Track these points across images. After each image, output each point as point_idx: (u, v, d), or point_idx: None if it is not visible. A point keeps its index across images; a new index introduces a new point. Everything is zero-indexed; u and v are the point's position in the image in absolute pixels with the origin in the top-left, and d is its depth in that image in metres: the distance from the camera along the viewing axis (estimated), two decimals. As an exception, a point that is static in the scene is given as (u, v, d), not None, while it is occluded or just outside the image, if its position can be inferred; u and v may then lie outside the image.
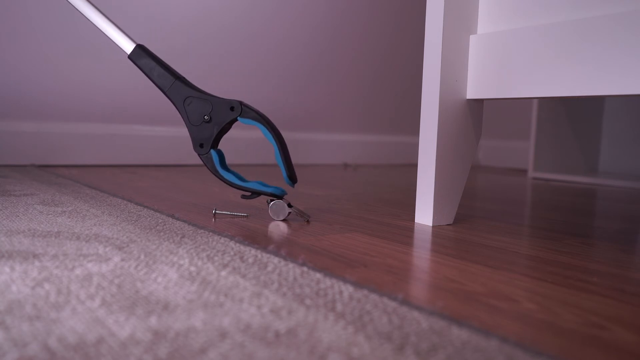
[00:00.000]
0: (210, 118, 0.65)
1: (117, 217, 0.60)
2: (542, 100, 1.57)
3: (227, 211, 0.69)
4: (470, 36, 0.66)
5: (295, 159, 1.72)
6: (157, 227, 0.55)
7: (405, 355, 0.26)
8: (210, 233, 0.53)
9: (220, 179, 0.65)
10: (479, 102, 0.68)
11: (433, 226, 0.65)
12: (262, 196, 0.66)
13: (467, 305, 0.35)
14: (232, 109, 0.65)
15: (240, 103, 0.65)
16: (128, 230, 0.53)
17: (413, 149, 2.02)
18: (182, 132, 1.50)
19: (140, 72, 1.42)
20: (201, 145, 0.66)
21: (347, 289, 0.36)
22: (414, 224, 0.66)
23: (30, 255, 0.42)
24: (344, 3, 1.81)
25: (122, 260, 0.42)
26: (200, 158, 0.66)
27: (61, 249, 0.44)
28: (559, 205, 0.92)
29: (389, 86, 1.96)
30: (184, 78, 0.67)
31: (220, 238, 0.51)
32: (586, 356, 0.27)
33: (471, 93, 0.66)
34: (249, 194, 0.65)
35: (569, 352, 0.28)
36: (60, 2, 1.30)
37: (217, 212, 0.67)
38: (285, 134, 1.76)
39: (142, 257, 0.43)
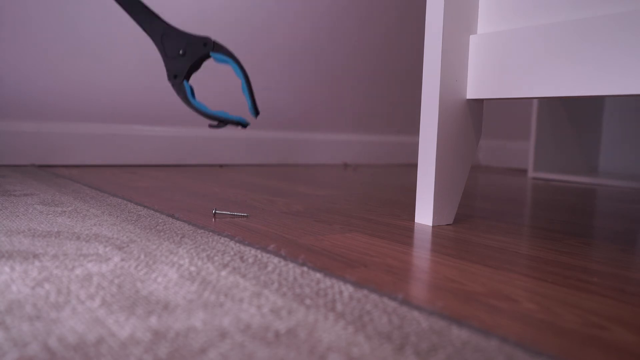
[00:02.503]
0: (184, 52, 0.70)
1: (117, 217, 0.60)
2: (542, 100, 1.57)
3: (227, 211, 0.69)
4: (470, 36, 0.66)
5: (295, 159, 1.72)
6: (157, 227, 0.55)
7: (405, 355, 0.26)
8: (210, 233, 0.53)
9: (191, 108, 0.70)
10: (479, 102, 0.68)
11: (433, 226, 0.65)
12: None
13: (467, 305, 0.35)
14: (205, 44, 0.70)
15: (213, 41, 0.70)
16: (128, 230, 0.53)
17: (413, 149, 2.02)
18: (182, 132, 1.50)
19: (141, 72, 1.42)
20: (175, 76, 0.70)
21: (347, 289, 0.36)
22: (414, 224, 0.66)
23: (30, 255, 0.42)
24: (344, 3, 1.81)
25: (122, 260, 0.42)
26: (174, 88, 0.70)
27: (61, 249, 0.44)
28: (559, 205, 0.92)
29: (389, 86, 1.96)
30: (161, 17, 0.73)
31: (220, 238, 0.51)
32: (586, 356, 0.27)
33: (471, 93, 0.66)
34: (216, 123, 0.70)
35: (569, 352, 0.28)
36: (60, 2, 1.30)
37: (217, 212, 0.67)
38: (285, 134, 1.77)
39: (142, 257, 0.43)
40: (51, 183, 0.91)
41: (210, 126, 0.69)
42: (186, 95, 0.70)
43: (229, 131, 1.59)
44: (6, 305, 0.30)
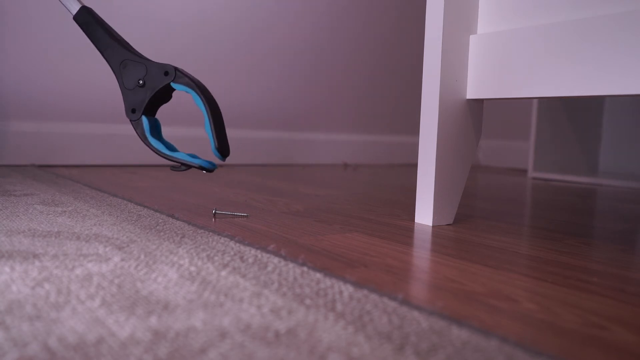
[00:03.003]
0: (144, 82, 0.63)
1: (117, 217, 0.60)
2: (542, 100, 1.57)
3: (228, 211, 0.69)
4: (470, 36, 0.66)
5: (295, 159, 1.72)
6: (157, 227, 0.55)
7: (405, 355, 0.26)
8: (210, 233, 0.53)
9: (149, 147, 0.63)
10: (479, 102, 0.68)
11: (433, 226, 0.65)
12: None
13: (467, 305, 0.35)
14: (166, 73, 0.62)
15: (175, 69, 0.62)
16: (128, 230, 0.53)
17: (413, 149, 2.02)
18: (182, 132, 1.50)
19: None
20: (133, 111, 0.63)
21: (347, 289, 0.36)
22: (414, 224, 0.66)
23: (30, 255, 0.42)
24: (344, 3, 1.81)
25: (122, 260, 0.42)
26: (132, 124, 0.64)
27: (61, 249, 0.44)
28: (559, 205, 0.92)
29: (389, 86, 1.96)
30: (126, 42, 0.66)
31: (220, 238, 0.51)
32: (586, 356, 0.27)
33: (471, 93, 0.66)
34: (178, 164, 0.62)
35: (569, 352, 0.28)
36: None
37: (217, 212, 0.67)
38: (285, 134, 1.77)
39: (142, 257, 0.43)
40: (51, 183, 0.91)
41: (172, 168, 0.62)
42: (144, 132, 0.63)
43: (229, 131, 1.58)
44: (6, 305, 0.30)
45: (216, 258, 0.43)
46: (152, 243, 0.48)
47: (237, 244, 0.49)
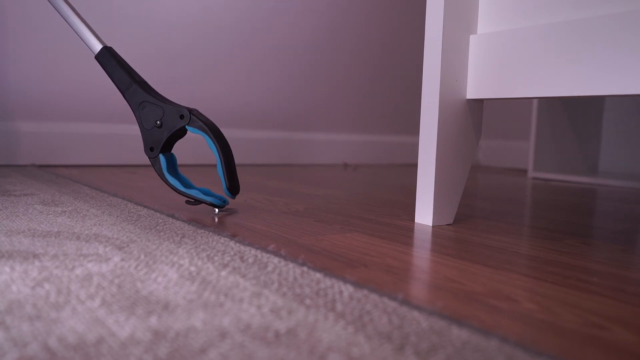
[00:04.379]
0: (161, 123, 0.67)
1: (117, 217, 0.60)
2: (542, 100, 1.57)
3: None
4: (470, 36, 0.66)
5: (295, 159, 1.72)
6: (157, 227, 0.55)
7: (405, 355, 0.26)
8: (210, 233, 0.53)
9: (166, 183, 0.68)
10: (479, 102, 0.68)
11: (433, 226, 0.65)
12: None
13: (467, 305, 0.35)
14: (181, 117, 0.66)
15: (190, 112, 0.66)
16: (128, 230, 0.53)
17: (413, 149, 2.02)
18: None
19: (141, 72, 1.42)
20: (151, 149, 0.68)
21: (347, 289, 0.36)
22: (414, 224, 0.66)
23: (30, 255, 0.42)
24: (344, 3, 1.81)
25: (122, 260, 0.42)
26: (150, 160, 0.68)
27: (61, 248, 0.44)
28: (559, 205, 0.92)
29: (388, 86, 1.96)
30: (145, 83, 0.70)
31: (220, 238, 0.51)
32: (586, 356, 0.27)
33: (471, 93, 0.66)
34: (192, 200, 0.67)
35: (569, 352, 0.28)
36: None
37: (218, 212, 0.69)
38: (285, 134, 1.77)
39: (142, 257, 0.43)
40: (51, 183, 0.91)
41: (188, 202, 0.67)
42: (161, 169, 0.67)
43: (229, 131, 1.59)
44: (6, 305, 0.30)
45: (216, 258, 0.43)
46: (152, 243, 0.48)
47: (237, 244, 0.49)
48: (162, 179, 0.68)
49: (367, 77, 1.90)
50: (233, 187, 0.67)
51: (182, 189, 0.67)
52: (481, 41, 0.65)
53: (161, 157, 0.68)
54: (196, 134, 0.66)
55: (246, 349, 0.26)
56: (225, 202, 0.68)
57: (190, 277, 0.38)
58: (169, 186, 0.67)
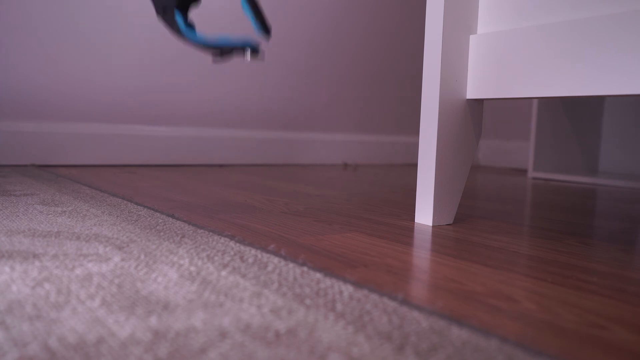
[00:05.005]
0: None
1: (117, 217, 0.60)
2: (542, 100, 1.57)
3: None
4: (470, 36, 0.66)
5: (295, 159, 1.72)
6: (157, 227, 0.55)
7: (405, 355, 0.26)
8: (210, 233, 0.53)
9: (185, 41, 0.59)
10: (479, 102, 0.68)
11: (433, 226, 0.65)
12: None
13: (467, 305, 0.35)
14: None
15: None
16: (128, 230, 0.53)
17: (413, 149, 2.02)
18: (182, 132, 1.50)
19: (141, 72, 1.42)
20: (164, 10, 0.61)
21: (347, 289, 0.36)
22: (414, 224, 0.66)
23: (30, 255, 0.42)
24: (344, 3, 1.81)
25: (122, 260, 0.42)
26: (164, 23, 0.61)
27: (61, 248, 0.44)
28: (559, 205, 0.92)
29: (389, 86, 1.96)
30: None
31: (220, 238, 0.51)
32: (586, 356, 0.27)
33: (471, 93, 0.66)
34: (218, 53, 0.60)
35: (569, 352, 0.28)
36: (60, 1, 1.30)
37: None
38: (285, 134, 1.77)
39: (142, 257, 0.43)
40: (51, 183, 0.91)
41: (214, 61, 0.58)
42: (178, 28, 0.60)
43: (229, 131, 1.59)
44: (6, 305, 0.30)
45: (216, 258, 0.43)
46: (152, 243, 0.48)
47: (237, 244, 0.49)
48: (179, 37, 0.60)
49: (368, 78, 1.90)
50: (265, 25, 0.58)
51: (206, 40, 0.59)
52: (481, 41, 0.65)
53: (177, 13, 0.60)
54: None
55: (246, 349, 0.26)
56: (256, 45, 0.60)
57: (190, 277, 0.38)
58: (191, 43, 0.60)
